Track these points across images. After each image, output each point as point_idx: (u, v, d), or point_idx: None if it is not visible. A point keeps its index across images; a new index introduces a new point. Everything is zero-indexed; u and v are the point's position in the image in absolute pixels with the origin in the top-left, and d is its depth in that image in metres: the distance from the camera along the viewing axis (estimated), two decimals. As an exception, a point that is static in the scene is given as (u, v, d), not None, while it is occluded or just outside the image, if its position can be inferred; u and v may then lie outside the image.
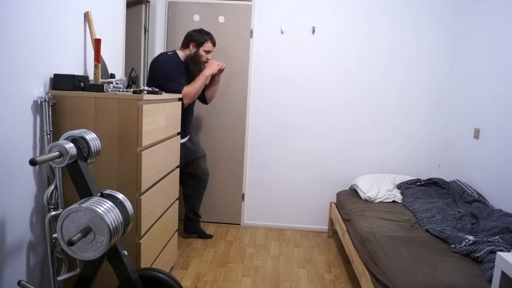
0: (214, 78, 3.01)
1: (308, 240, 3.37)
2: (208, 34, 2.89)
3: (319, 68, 3.44)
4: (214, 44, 2.92)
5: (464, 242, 2.05)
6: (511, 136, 2.50)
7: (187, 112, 2.89)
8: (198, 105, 3.55)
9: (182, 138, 2.91)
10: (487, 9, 2.87)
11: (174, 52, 2.86)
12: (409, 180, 3.22)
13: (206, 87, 3.04)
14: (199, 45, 2.84)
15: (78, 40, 2.01)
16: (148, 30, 3.18)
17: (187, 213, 3.20)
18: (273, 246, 3.20)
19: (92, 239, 1.33)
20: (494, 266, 1.50)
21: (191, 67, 2.85)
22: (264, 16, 3.41)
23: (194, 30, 2.89)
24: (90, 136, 1.51)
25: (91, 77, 2.12)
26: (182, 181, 3.04)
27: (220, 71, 2.96)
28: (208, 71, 2.83)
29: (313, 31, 3.40)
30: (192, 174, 3.09)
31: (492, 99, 2.73)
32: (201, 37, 2.84)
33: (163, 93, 2.17)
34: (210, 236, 3.28)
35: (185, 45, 2.88)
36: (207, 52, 2.88)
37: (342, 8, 3.37)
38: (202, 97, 3.09)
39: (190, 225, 3.22)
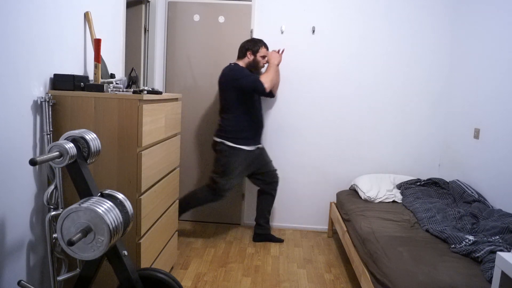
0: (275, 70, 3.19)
1: (308, 240, 3.37)
2: (260, 41, 3.10)
3: (319, 68, 3.44)
4: (267, 48, 3.12)
5: (464, 242, 2.05)
6: (511, 136, 2.50)
7: (257, 121, 3.12)
8: (198, 104, 3.55)
9: (251, 145, 3.08)
10: (487, 9, 2.86)
11: (235, 63, 3.08)
12: (409, 180, 3.21)
13: None
14: (255, 52, 3.06)
15: (78, 40, 2.01)
16: (148, 30, 3.18)
17: (258, 220, 3.29)
18: (273, 246, 3.19)
19: (92, 239, 1.33)
20: (494, 266, 1.50)
21: (254, 73, 3.07)
22: (264, 16, 3.41)
23: (247, 41, 3.11)
24: (90, 136, 1.51)
25: (91, 77, 2.12)
26: (258, 185, 3.26)
27: (279, 59, 3.16)
28: (275, 61, 3.08)
29: (313, 31, 3.40)
30: (268, 182, 3.24)
31: (492, 99, 2.73)
32: (255, 45, 3.06)
33: (163, 93, 2.17)
34: (281, 240, 3.31)
35: (242, 56, 3.09)
36: (263, 57, 3.08)
37: (342, 8, 3.37)
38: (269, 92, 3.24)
39: (262, 232, 3.29)
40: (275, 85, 3.29)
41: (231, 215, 3.62)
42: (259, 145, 3.18)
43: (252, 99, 3.05)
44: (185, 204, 3.11)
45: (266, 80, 2.90)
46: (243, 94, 2.95)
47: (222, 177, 3.00)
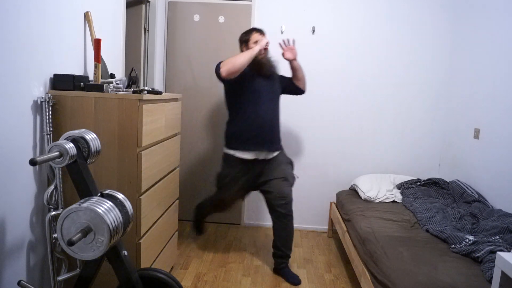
0: (292, 65, 2.79)
1: (308, 240, 3.37)
2: (252, 29, 2.73)
3: (319, 68, 3.43)
4: (261, 33, 2.70)
5: (464, 242, 2.05)
6: (511, 136, 2.50)
7: (255, 121, 2.61)
8: (198, 104, 3.55)
9: (246, 150, 2.64)
10: (487, 9, 2.86)
11: None
12: (409, 180, 3.21)
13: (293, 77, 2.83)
14: (246, 42, 2.70)
15: (78, 40, 2.01)
16: (148, 30, 3.18)
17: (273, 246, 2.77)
18: (273, 246, 3.19)
19: (92, 239, 1.33)
20: (494, 266, 1.50)
21: (255, 66, 2.63)
22: (264, 16, 3.41)
23: (241, 34, 2.75)
24: (90, 136, 1.51)
25: (91, 77, 2.12)
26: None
27: (291, 54, 2.75)
28: (255, 48, 2.55)
29: (313, 31, 3.40)
30: (265, 192, 2.73)
31: (492, 99, 2.73)
32: (244, 35, 2.72)
33: (163, 93, 2.17)
34: (298, 281, 2.63)
35: (240, 50, 2.75)
36: (257, 42, 2.65)
37: (342, 8, 3.37)
38: (296, 89, 2.86)
39: (276, 262, 2.75)
40: (299, 80, 2.80)
41: (231, 215, 3.62)
42: (266, 153, 2.67)
43: (243, 95, 2.62)
44: (199, 212, 2.94)
45: (225, 62, 2.49)
46: (229, 90, 2.64)
47: (217, 187, 2.83)
